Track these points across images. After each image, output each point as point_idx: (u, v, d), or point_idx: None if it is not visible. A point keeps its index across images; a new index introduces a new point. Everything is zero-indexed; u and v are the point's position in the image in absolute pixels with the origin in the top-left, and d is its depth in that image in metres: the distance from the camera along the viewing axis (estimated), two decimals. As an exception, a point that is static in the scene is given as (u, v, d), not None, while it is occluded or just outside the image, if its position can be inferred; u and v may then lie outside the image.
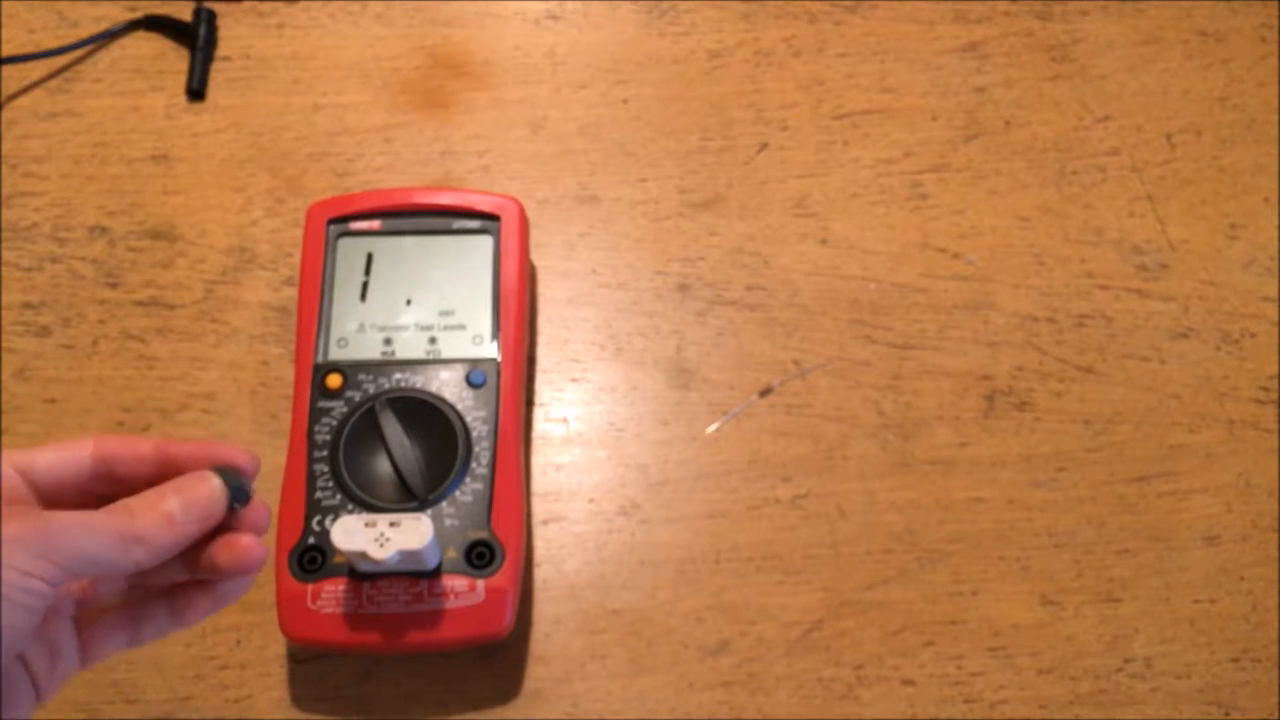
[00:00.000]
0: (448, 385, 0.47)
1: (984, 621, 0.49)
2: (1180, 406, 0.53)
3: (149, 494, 0.33)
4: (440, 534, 0.45)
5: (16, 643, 0.30)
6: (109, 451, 0.35)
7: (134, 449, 0.35)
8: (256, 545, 0.34)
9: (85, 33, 0.59)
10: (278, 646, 0.48)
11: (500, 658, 0.48)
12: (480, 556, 0.45)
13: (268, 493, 0.39)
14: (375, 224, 0.50)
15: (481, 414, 0.47)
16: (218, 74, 0.59)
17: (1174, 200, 0.57)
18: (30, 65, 0.59)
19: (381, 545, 0.41)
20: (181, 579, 0.36)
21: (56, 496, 0.34)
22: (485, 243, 0.50)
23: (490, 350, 0.48)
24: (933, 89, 0.59)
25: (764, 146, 0.58)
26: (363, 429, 0.46)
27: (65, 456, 0.34)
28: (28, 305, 0.54)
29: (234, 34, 0.60)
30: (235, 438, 0.51)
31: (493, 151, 0.58)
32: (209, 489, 0.34)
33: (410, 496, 0.45)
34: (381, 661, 0.47)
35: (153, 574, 0.35)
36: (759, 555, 0.50)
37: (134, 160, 0.57)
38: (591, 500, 0.51)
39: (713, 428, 0.52)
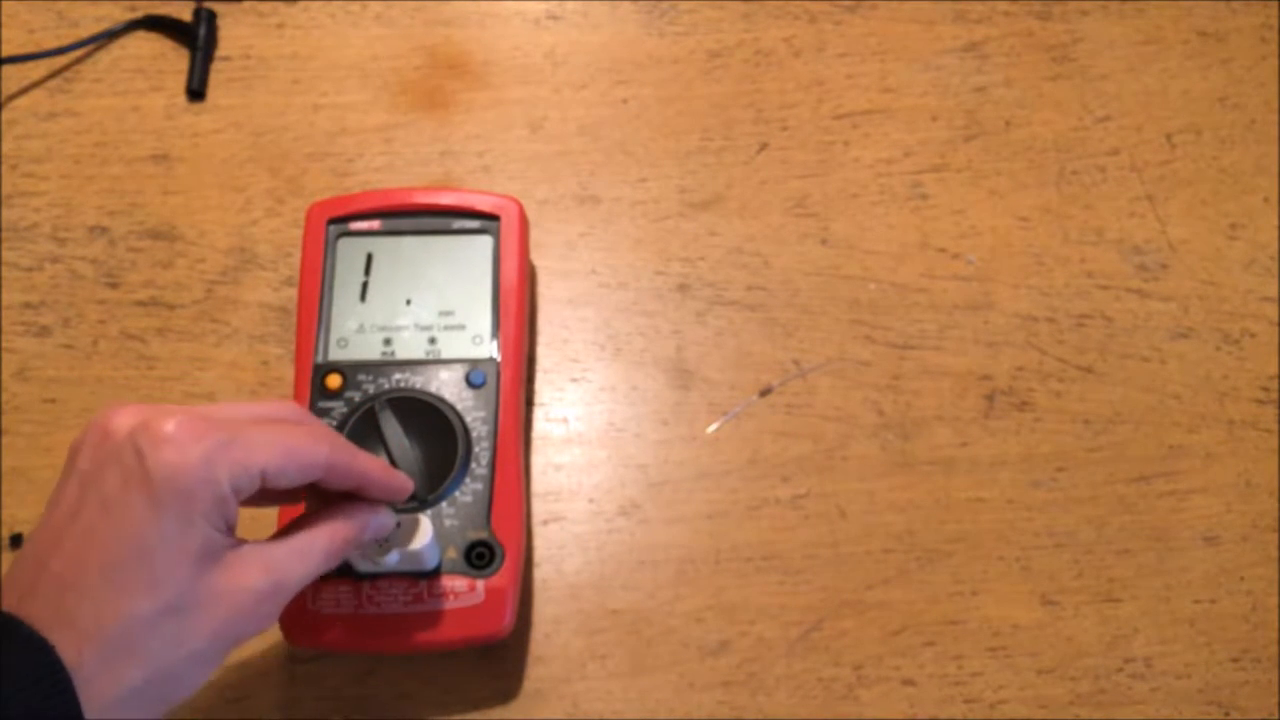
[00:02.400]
0: (447, 385, 0.47)
1: (984, 621, 0.49)
2: (1180, 406, 0.53)
3: (353, 522, 0.38)
4: (440, 534, 0.45)
5: None
6: (331, 468, 0.37)
7: (349, 468, 0.38)
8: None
9: (85, 33, 0.59)
10: (278, 646, 0.48)
11: (500, 658, 0.48)
12: (480, 557, 0.45)
13: (268, 493, 0.39)
14: (375, 224, 0.50)
15: (481, 414, 0.47)
16: (218, 74, 0.59)
17: (1174, 200, 0.57)
18: (30, 65, 0.59)
19: (381, 545, 0.42)
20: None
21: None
22: (485, 243, 0.50)
23: (490, 350, 0.48)
24: (933, 89, 0.59)
25: (764, 146, 0.58)
26: (362, 429, 0.46)
27: (304, 472, 0.36)
28: (28, 305, 0.54)
29: (234, 34, 0.60)
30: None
31: (493, 151, 0.58)
32: (388, 527, 0.41)
33: (410, 497, 0.45)
34: (381, 661, 0.47)
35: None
36: (759, 555, 0.50)
37: (134, 160, 0.57)
38: (591, 500, 0.51)
39: (713, 428, 0.52)
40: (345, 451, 0.37)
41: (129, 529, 0.33)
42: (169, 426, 0.33)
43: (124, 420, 0.34)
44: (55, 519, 0.34)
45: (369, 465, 0.39)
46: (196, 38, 0.59)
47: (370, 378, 0.47)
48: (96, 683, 0.32)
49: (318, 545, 0.37)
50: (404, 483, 0.40)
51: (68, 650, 0.32)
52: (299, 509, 0.45)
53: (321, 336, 0.48)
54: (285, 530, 0.38)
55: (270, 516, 0.44)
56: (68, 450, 0.35)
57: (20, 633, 0.32)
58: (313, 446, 0.36)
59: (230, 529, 0.35)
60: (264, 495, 0.36)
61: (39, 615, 0.32)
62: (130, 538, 0.33)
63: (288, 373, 0.52)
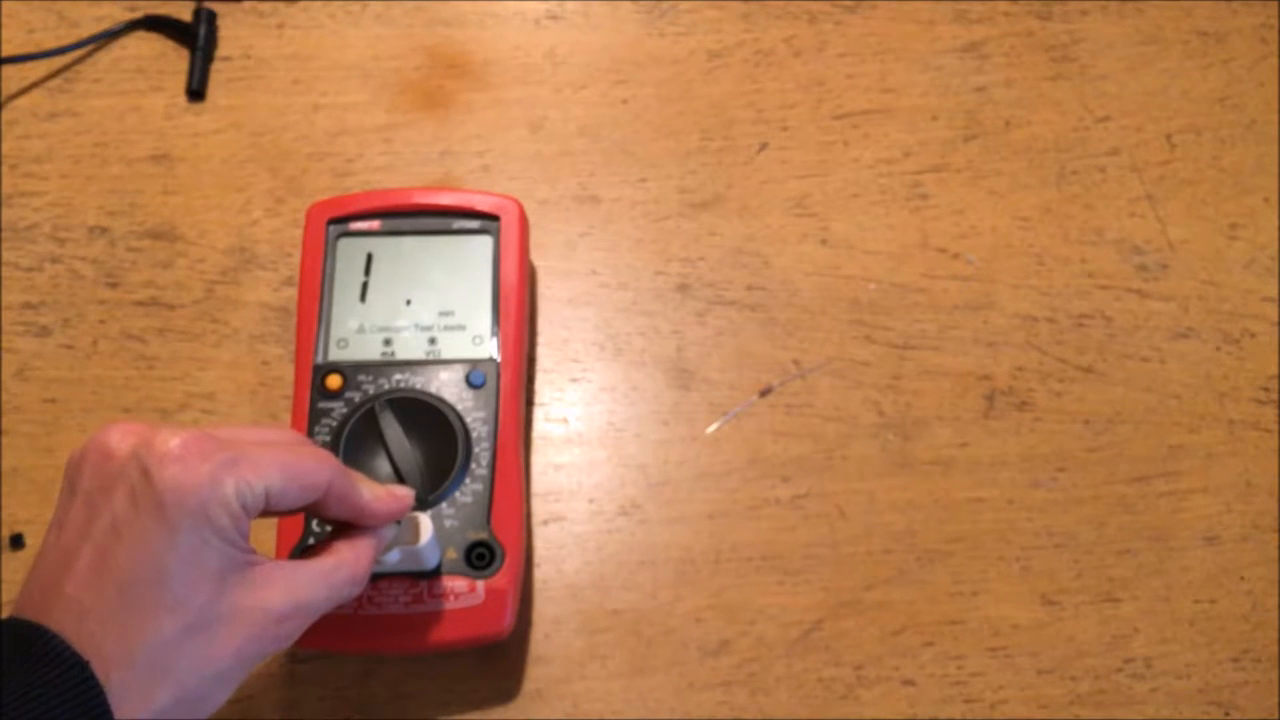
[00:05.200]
0: (447, 386, 0.47)
1: (984, 621, 0.49)
2: (1180, 406, 0.53)
3: (364, 547, 0.39)
4: (440, 535, 0.45)
5: None
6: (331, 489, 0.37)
7: (348, 494, 0.38)
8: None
9: (85, 33, 0.59)
10: (278, 647, 0.48)
11: (500, 658, 0.48)
12: (480, 557, 0.45)
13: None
14: (375, 224, 0.50)
15: (481, 414, 0.47)
16: (218, 74, 0.59)
17: (1174, 200, 0.57)
18: (30, 65, 0.59)
19: (382, 545, 0.42)
20: None
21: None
22: (485, 243, 0.50)
23: (490, 350, 0.48)
24: (933, 89, 0.59)
25: (764, 146, 0.58)
26: (362, 430, 0.46)
27: (305, 494, 0.36)
28: (28, 305, 0.54)
29: (234, 34, 0.60)
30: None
31: (493, 151, 0.58)
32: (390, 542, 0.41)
33: (410, 497, 0.45)
34: (381, 661, 0.47)
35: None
36: (759, 555, 0.50)
37: (134, 160, 0.57)
38: (591, 500, 0.51)
39: (713, 428, 0.52)
40: (345, 477, 0.37)
41: (143, 550, 0.32)
42: (174, 444, 0.33)
43: (124, 439, 0.34)
44: (64, 540, 0.33)
45: (367, 493, 0.38)
46: (196, 38, 0.59)
47: (370, 378, 0.47)
48: (126, 707, 0.31)
49: (341, 573, 0.37)
50: (403, 505, 0.40)
51: (97, 674, 0.31)
52: (297, 521, 0.45)
53: (321, 337, 0.48)
54: (310, 550, 0.38)
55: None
56: (65, 469, 0.35)
57: (52, 648, 0.31)
58: (315, 468, 0.36)
59: (245, 544, 0.35)
60: (263, 514, 0.36)
61: (64, 638, 0.32)
62: (145, 558, 0.32)
63: (288, 373, 0.52)
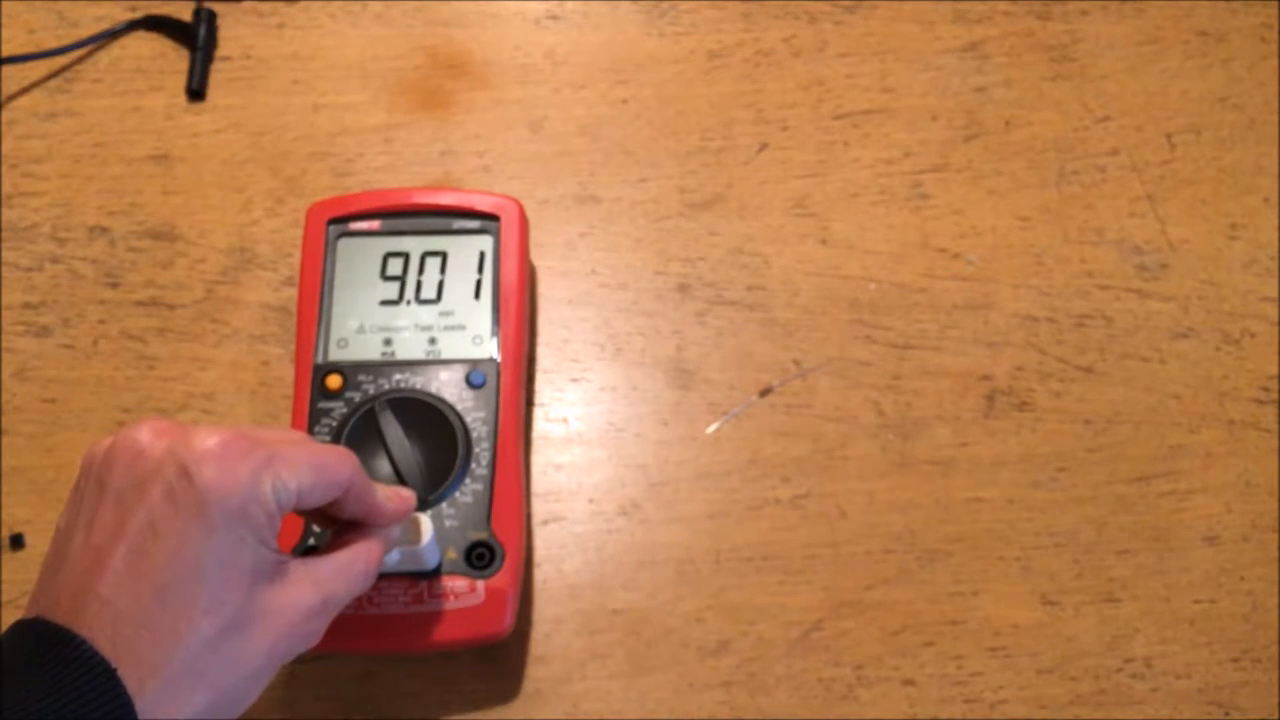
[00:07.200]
0: (447, 386, 0.47)
1: (984, 621, 0.49)
2: (1180, 406, 0.53)
3: (382, 541, 0.39)
4: (440, 535, 0.45)
5: None
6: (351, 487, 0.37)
7: (364, 491, 0.38)
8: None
9: (85, 33, 0.59)
10: (278, 647, 0.48)
11: (500, 658, 0.48)
12: (480, 557, 0.45)
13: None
14: (375, 224, 0.50)
15: (481, 414, 0.47)
16: (218, 74, 0.59)
17: (1174, 200, 0.57)
18: (30, 65, 0.59)
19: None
20: None
21: None
22: (485, 243, 0.50)
23: (490, 350, 0.48)
24: (933, 89, 0.59)
25: (764, 146, 0.58)
26: (362, 430, 0.46)
27: (330, 491, 0.36)
28: (28, 305, 0.54)
29: (234, 34, 0.60)
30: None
31: (493, 151, 0.58)
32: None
33: (410, 497, 0.45)
34: (381, 661, 0.47)
35: None
36: (759, 555, 0.50)
37: (134, 160, 0.57)
38: (591, 500, 0.51)
39: (713, 428, 0.52)
40: (363, 474, 0.38)
41: (183, 550, 0.32)
42: (212, 443, 0.33)
43: (157, 437, 0.33)
44: (94, 540, 0.33)
45: (379, 491, 0.39)
46: (196, 38, 0.59)
47: (370, 378, 0.47)
48: (160, 712, 0.31)
49: (357, 566, 0.37)
50: (409, 506, 0.40)
51: (130, 681, 0.31)
52: (297, 522, 0.45)
53: (321, 337, 0.48)
54: (325, 549, 0.38)
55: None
56: (84, 466, 0.34)
57: (81, 654, 0.31)
58: (339, 465, 0.36)
59: (274, 542, 0.35)
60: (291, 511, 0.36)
61: (95, 644, 0.31)
62: (185, 559, 0.32)
63: (288, 373, 0.52)
